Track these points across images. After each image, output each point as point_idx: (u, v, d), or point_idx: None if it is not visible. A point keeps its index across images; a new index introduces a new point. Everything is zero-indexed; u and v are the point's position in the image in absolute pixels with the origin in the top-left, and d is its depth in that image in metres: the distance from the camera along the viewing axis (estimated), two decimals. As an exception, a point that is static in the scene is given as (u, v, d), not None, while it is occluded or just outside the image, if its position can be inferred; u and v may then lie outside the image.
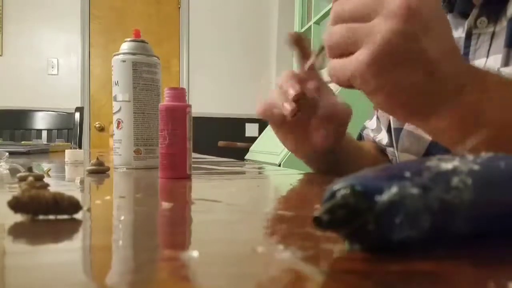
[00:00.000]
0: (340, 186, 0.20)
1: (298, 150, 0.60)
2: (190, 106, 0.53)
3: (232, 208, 0.35)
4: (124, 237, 0.25)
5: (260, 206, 0.38)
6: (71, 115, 2.12)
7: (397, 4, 0.33)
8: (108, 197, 0.41)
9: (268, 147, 2.14)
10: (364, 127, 0.80)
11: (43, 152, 1.18)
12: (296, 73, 0.52)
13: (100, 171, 0.59)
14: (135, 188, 0.51)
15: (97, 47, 3.33)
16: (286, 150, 0.71)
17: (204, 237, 0.25)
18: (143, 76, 0.68)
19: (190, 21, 3.42)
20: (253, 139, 2.84)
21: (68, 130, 2.12)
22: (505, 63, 0.51)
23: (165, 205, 0.34)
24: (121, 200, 0.40)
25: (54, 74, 3.24)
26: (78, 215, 0.27)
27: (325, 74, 0.43)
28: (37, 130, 2.12)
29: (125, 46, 0.69)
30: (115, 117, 0.69)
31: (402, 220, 0.19)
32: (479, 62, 0.55)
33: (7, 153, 0.73)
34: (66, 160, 0.80)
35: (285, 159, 1.88)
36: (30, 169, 0.47)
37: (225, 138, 3.15)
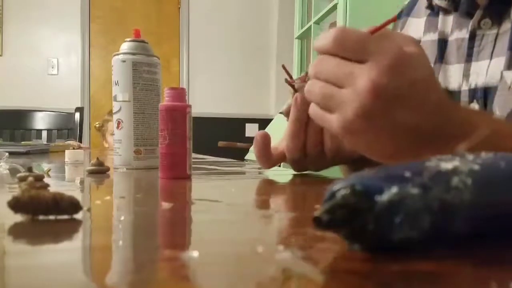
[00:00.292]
0: (340, 186, 0.20)
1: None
2: (190, 106, 0.53)
3: (232, 208, 0.35)
4: (124, 237, 0.25)
5: (260, 206, 0.38)
6: (71, 115, 2.12)
7: (364, 84, 0.34)
8: (108, 197, 0.41)
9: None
10: None
11: (43, 152, 1.18)
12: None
13: (100, 171, 0.59)
14: (135, 188, 0.51)
15: (97, 47, 3.33)
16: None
17: (204, 237, 0.25)
18: (143, 76, 0.68)
19: (190, 21, 3.42)
20: (253, 139, 2.83)
21: (68, 130, 2.11)
22: (508, 66, 0.51)
23: (165, 205, 0.33)
24: (121, 200, 0.40)
25: (54, 74, 3.24)
26: (78, 215, 0.27)
27: None
28: (37, 130, 2.12)
29: (125, 46, 0.69)
30: (115, 117, 0.69)
31: (402, 220, 0.19)
32: (482, 63, 0.54)
33: (7, 153, 0.72)
34: (66, 160, 0.80)
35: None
36: (30, 169, 0.47)
37: (225, 138, 3.11)
